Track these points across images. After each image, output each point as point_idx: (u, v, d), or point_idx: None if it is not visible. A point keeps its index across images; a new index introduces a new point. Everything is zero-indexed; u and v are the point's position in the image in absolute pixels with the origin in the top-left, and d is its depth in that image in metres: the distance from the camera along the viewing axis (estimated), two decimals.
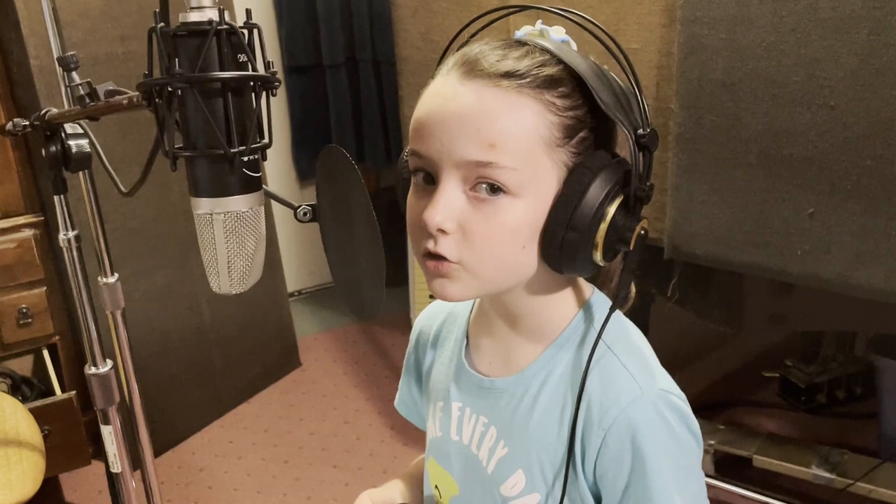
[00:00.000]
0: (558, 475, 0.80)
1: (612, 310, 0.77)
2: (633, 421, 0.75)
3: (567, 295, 0.83)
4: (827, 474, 2.09)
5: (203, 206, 0.69)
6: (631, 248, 0.74)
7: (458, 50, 0.79)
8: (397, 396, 1.09)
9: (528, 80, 0.72)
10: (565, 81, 0.73)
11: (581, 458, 0.78)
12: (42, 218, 2.41)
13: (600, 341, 0.77)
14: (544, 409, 0.81)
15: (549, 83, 0.72)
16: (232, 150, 0.66)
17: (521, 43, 0.76)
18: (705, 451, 2.26)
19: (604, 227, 0.72)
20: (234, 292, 0.72)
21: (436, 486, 0.96)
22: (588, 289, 0.86)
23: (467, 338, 0.92)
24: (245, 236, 0.70)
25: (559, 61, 0.73)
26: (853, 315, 2.15)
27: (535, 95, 0.72)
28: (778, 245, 1.60)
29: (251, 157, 0.69)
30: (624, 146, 0.76)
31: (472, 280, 0.75)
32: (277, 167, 3.65)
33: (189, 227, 2.69)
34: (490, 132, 0.71)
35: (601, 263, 0.75)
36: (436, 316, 1.01)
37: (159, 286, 2.60)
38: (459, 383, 0.91)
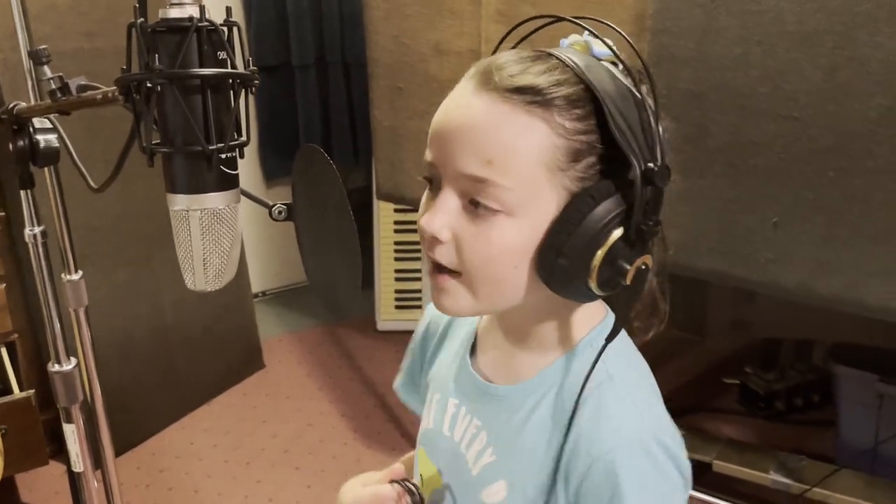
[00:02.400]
0: (539, 495, 0.78)
1: (608, 339, 0.74)
2: (618, 458, 0.72)
3: (578, 316, 0.80)
4: (785, 480, 2.13)
5: (179, 202, 0.68)
6: (628, 282, 0.71)
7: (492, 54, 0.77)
8: (398, 379, 1.08)
9: (539, 98, 0.70)
10: (581, 103, 0.70)
11: (564, 483, 0.76)
12: (2, 214, 2.37)
13: (602, 370, 0.75)
14: (536, 426, 0.80)
15: (561, 104, 0.70)
16: (210, 148, 0.66)
17: (550, 56, 0.73)
18: None
19: (599, 258, 0.70)
20: (209, 289, 0.71)
21: (420, 475, 0.96)
22: (602, 311, 0.83)
23: (475, 338, 0.92)
24: (221, 233, 0.70)
25: (581, 80, 0.71)
26: (813, 324, 2.19)
27: (545, 116, 0.70)
28: (742, 253, 1.63)
29: (229, 155, 0.69)
30: None
31: (468, 296, 0.75)
32: (244, 167, 3.60)
33: (153, 226, 2.67)
34: (489, 149, 0.70)
35: (600, 293, 0.73)
36: None
37: (122, 285, 2.58)
38: (459, 381, 0.91)
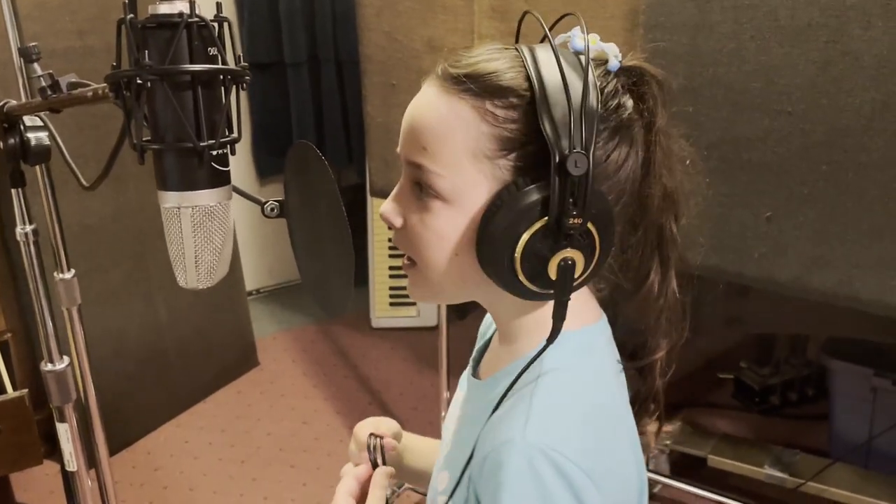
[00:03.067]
0: (457, 490, 0.76)
1: (547, 342, 0.72)
2: (503, 463, 0.69)
3: (547, 316, 0.75)
4: (780, 474, 2.14)
5: (171, 199, 0.68)
6: (554, 278, 0.69)
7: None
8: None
9: (473, 86, 0.71)
10: (520, 92, 0.70)
11: (468, 478, 0.75)
12: None
13: (537, 370, 0.74)
14: (473, 419, 0.79)
15: (494, 91, 0.70)
16: (201, 144, 0.66)
17: (512, 49, 0.74)
18: (661, 451, 2.29)
19: (519, 250, 0.68)
20: (200, 287, 0.71)
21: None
22: (587, 318, 0.81)
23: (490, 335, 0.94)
24: (213, 231, 0.69)
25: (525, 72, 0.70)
26: (806, 318, 2.19)
27: (475, 102, 0.71)
28: (735, 248, 1.63)
29: (220, 151, 0.68)
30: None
31: (423, 282, 0.77)
32: (237, 165, 3.57)
33: (145, 224, 2.66)
34: (425, 135, 0.72)
35: (537, 289, 0.71)
36: None
37: (115, 284, 2.57)
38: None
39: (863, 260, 1.47)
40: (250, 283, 3.67)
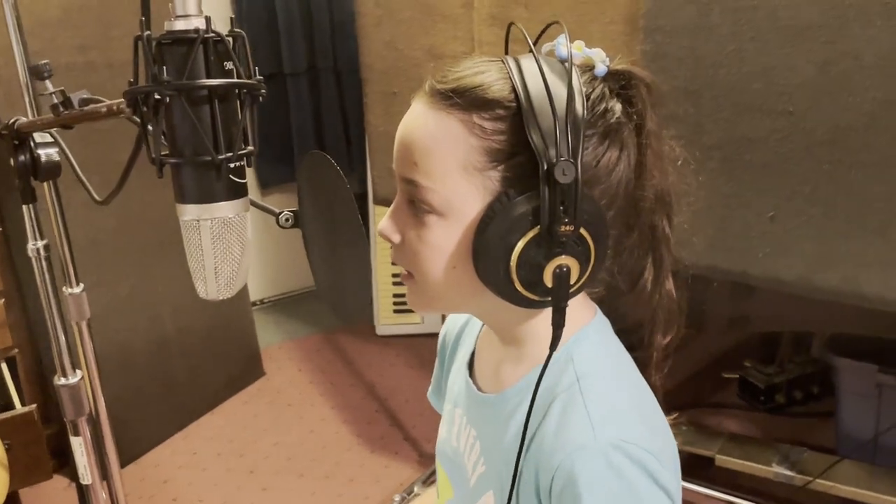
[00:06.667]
0: None
1: (551, 350, 0.72)
2: (575, 470, 0.69)
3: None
4: (788, 472, 2.14)
5: (190, 212, 0.69)
6: (550, 286, 0.70)
7: None
8: (430, 387, 1.12)
9: (459, 100, 0.71)
10: (506, 104, 0.71)
11: (536, 492, 0.75)
12: (0, 229, 2.36)
13: (571, 372, 0.75)
14: (513, 435, 0.78)
15: (480, 104, 0.71)
16: (220, 157, 0.67)
17: (498, 61, 0.74)
18: None
19: (514, 260, 0.69)
20: (220, 298, 0.72)
21: (438, 486, 0.98)
22: (585, 316, 0.81)
23: (475, 347, 0.92)
24: (232, 242, 0.70)
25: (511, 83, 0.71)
26: (811, 316, 2.20)
27: (462, 116, 0.71)
28: (739, 248, 1.64)
29: (237, 164, 0.69)
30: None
31: (422, 294, 0.78)
32: None
33: (152, 237, 2.66)
34: (415, 151, 0.73)
35: (535, 297, 0.71)
36: (461, 317, 1.02)
37: (121, 297, 2.58)
38: (462, 390, 0.91)
39: (867, 257, 1.48)
40: (254, 293, 3.68)
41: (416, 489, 2.39)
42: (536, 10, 1.76)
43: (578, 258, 0.70)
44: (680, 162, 0.83)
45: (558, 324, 0.72)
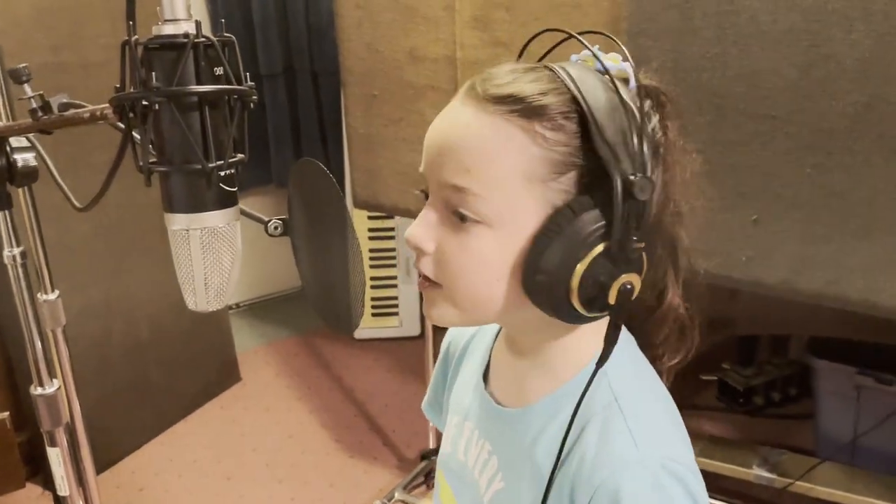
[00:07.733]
0: None
1: (598, 365, 0.71)
2: (621, 489, 0.68)
3: (588, 335, 0.76)
4: (768, 474, 2.15)
5: (179, 222, 0.67)
6: (613, 302, 0.68)
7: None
8: (425, 398, 1.07)
9: (520, 107, 0.68)
10: (567, 114, 0.68)
11: None
12: None
13: (608, 391, 0.73)
14: (544, 452, 0.76)
15: (542, 113, 0.68)
16: (210, 165, 0.65)
17: (544, 68, 0.72)
18: None
19: (578, 275, 0.67)
20: (210, 309, 0.70)
21: (440, 500, 0.95)
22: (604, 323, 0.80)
23: (489, 360, 0.89)
24: (222, 252, 0.68)
25: (569, 91, 0.69)
26: (792, 319, 2.21)
27: (523, 125, 0.68)
28: (722, 252, 1.64)
29: (227, 172, 0.68)
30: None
31: (451, 307, 0.74)
32: None
33: (126, 242, 2.62)
34: (468, 157, 0.69)
35: (588, 314, 0.70)
36: (468, 329, 0.98)
37: (96, 303, 2.54)
38: (475, 404, 0.88)
39: (850, 260, 1.48)
40: None
41: (396, 495, 2.37)
42: (518, 14, 1.75)
43: (640, 274, 0.69)
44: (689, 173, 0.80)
45: (612, 340, 0.70)
